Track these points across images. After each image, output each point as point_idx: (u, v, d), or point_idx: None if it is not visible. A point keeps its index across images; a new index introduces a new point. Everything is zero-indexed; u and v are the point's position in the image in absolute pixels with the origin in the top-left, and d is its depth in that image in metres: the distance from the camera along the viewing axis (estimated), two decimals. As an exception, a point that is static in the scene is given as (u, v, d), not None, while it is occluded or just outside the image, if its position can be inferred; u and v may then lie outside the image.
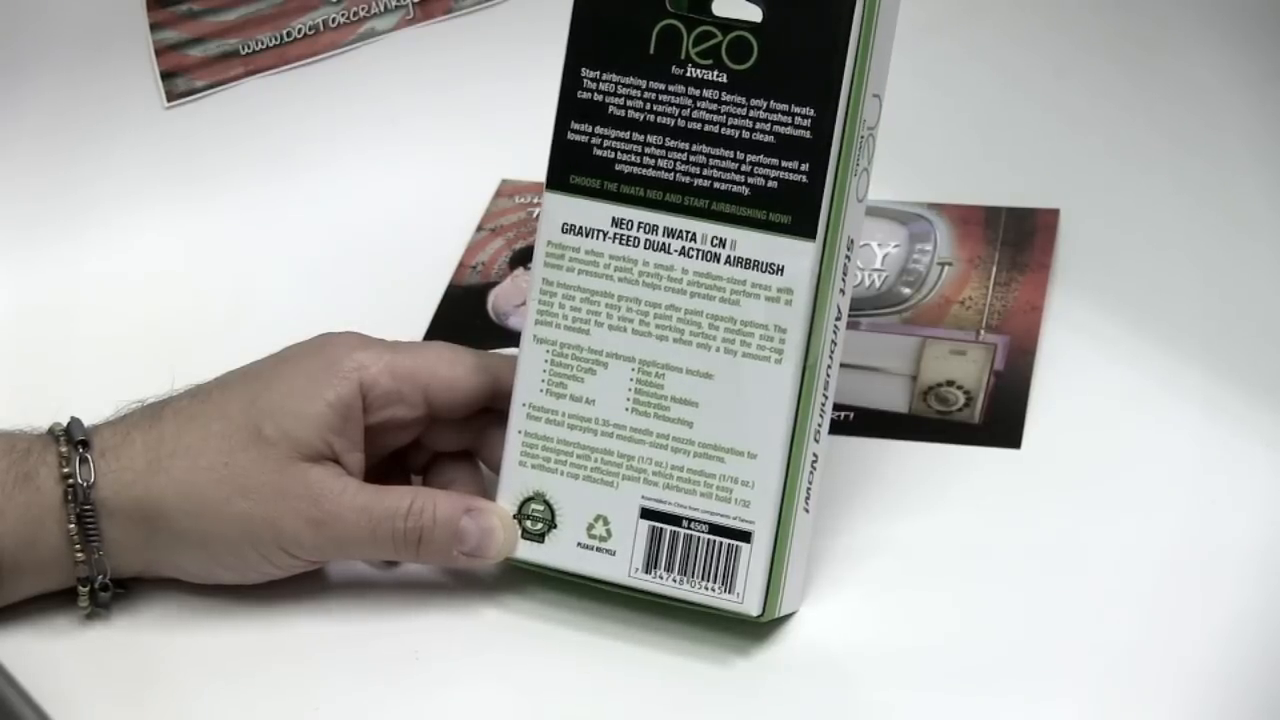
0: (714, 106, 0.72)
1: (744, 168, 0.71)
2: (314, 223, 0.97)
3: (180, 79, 0.99)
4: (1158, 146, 0.94)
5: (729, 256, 0.71)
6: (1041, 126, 0.96)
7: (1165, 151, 0.94)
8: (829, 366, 0.72)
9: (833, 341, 0.72)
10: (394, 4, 1.02)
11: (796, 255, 0.71)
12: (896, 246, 0.91)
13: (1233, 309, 0.86)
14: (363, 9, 1.02)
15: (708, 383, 0.72)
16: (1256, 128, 0.93)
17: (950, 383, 0.84)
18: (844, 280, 0.72)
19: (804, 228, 0.71)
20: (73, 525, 0.74)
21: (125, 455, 0.75)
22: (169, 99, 0.99)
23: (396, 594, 0.78)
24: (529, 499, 0.74)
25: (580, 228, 0.73)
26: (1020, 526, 0.78)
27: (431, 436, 0.79)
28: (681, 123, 0.72)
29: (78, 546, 0.74)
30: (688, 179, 0.72)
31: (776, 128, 0.71)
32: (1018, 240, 0.90)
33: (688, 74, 0.72)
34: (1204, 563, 0.75)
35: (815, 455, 0.72)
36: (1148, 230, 0.90)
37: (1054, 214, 0.91)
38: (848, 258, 0.72)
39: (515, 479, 0.75)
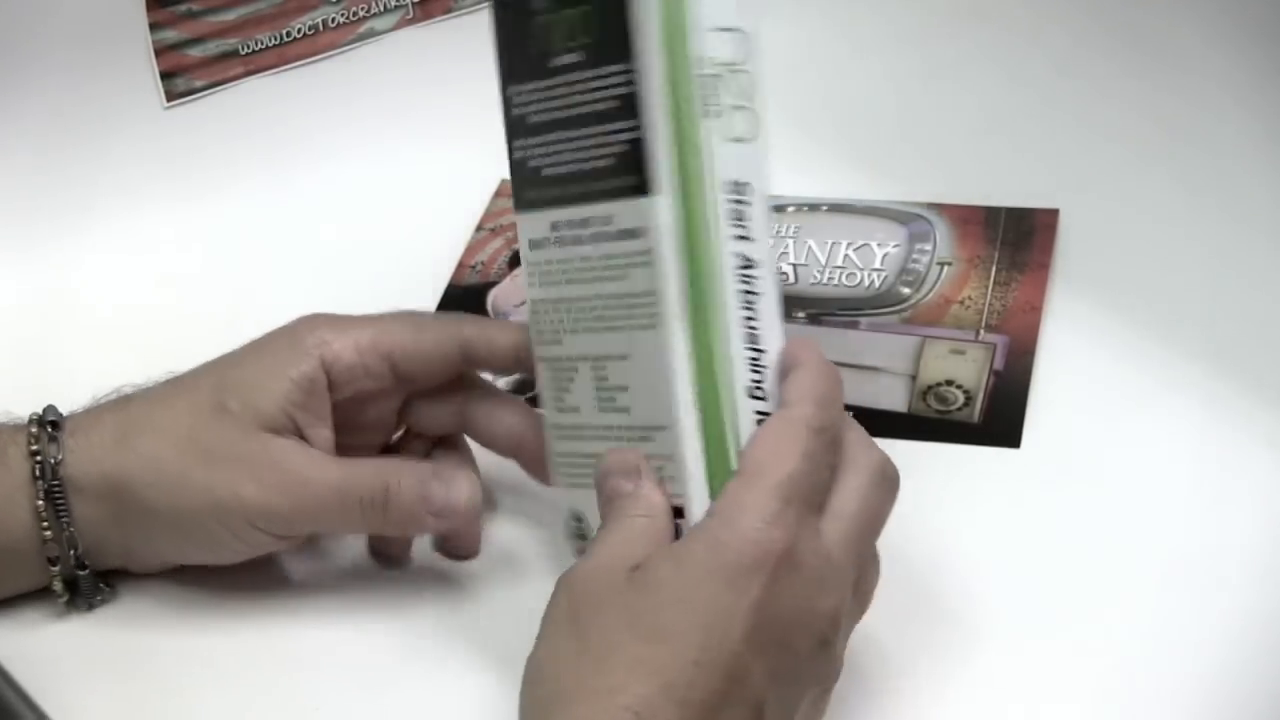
0: (580, 87, 0.70)
1: (604, 139, 0.69)
2: (313, 222, 0.97)
3: (180, 79, 0.99)
4: (1157, 146, 0.94)
5: (613, 232, 0.69)
6: (1041, 126, 0.96)
7: (1165, 151, 0.94)
8: (749, 319, 0.69)
9: (747, 292, 0.69)
10: (393, 4, 1.02)
11: (645, 214, 0.68)
12: (896, 246, 0.91)
13: (1233, 308, 0.86)
14: (362, 9, 1.02)
15: (626, 364, 0.70)
16: (1256, 127, 0.93)
17: (950, 382, 0.84)
18: (743, 226, 0.69)
19: (645, 185, 0.68)
20: (41, 501, 0.74)
21: (94, 434, 0.75)
22: (169, 99, 0.99)
23: (396, 595, 0.78)
24: (571, 518, 0.74)
25: (537, 241, 0.73)
26: (1019, 526, 0.78)
27: (416, 416, 0.79)
28: (564, 112, 0.70)
29: (45, 523, 0.74)
30: (578, 165, 0.70)
31: (614, 91, 0.69)
32: (1017, 240, 0.90)
33: (557, 63, 0.71)
34: (1205, 562, 0.75)
35: (761, 412, 0.69)
36: (1147, 230, 0.90)
37: (1053, 214, 0.91)
38: (739, 201, 0.69)
39: (561, 501, 0.75)
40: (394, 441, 0.80)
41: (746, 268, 0.68)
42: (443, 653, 0.75)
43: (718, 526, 0.65)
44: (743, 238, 0.68)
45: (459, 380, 0.78)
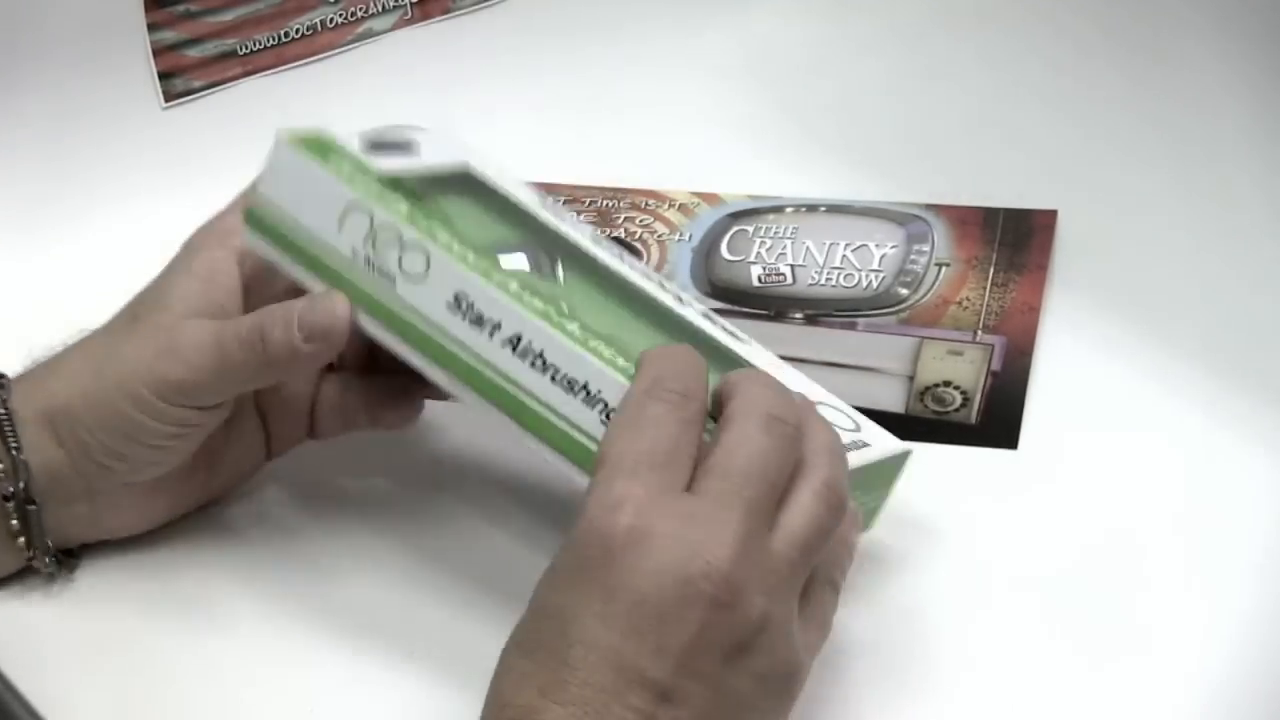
0: None
1: None
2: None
3: (178, 79, 0.99)
4: (1156, 147, 0.94)
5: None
6: (1040, 127, 0.96)
7: (1164, 152, 0.94)
8: (554, 376, 0.71)
9: (536, 358, 0.71)
10: (392, 4, 1.02)
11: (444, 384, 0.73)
12: (894, 247, 0.91)
13: (1231, 309, 0.86)
14: (361, 9, 1.02)
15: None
16: (1255, 129, 0.93)
17: (947, 383, 0.84)
18: (482, 320, 0.71)
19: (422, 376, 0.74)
20: None
21: (33, 374, 0.78)
22: (167, 99, 0.99)
23: (393, 593, 0.78)
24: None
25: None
26: (1016, 527, 0.78)
27: None
28: None
29: None
30: None
31: None
32: (1015, 241, 0.90)
33: None
34: (1203, 563, 0.75)
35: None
36: (1146, 231, 0.90)
37: (1052, 214, 0.91)
38: (469, 307, 0.71)
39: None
40: None
41: (515, 344, 0.71)
42: (441, 653, 0.75)
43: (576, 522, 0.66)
44: (491, 324, 0.71)
45: None
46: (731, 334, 0.78)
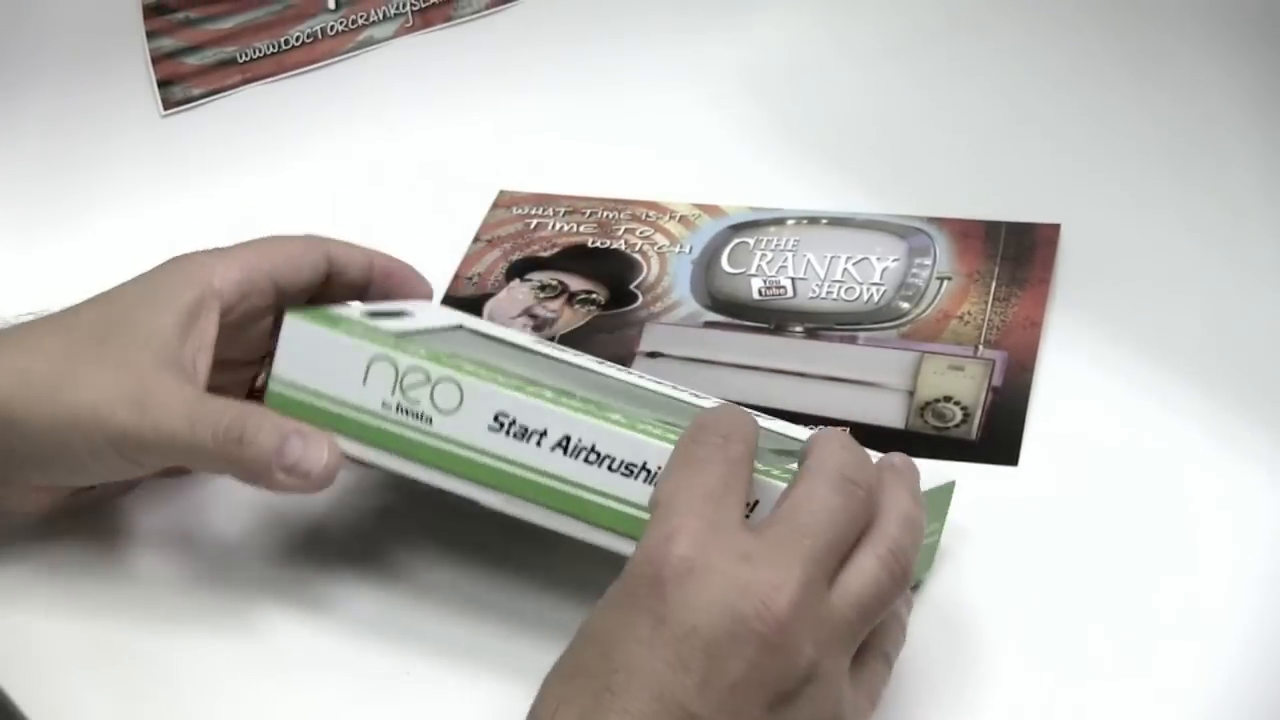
0: None
1: None
2: (311, 230, 0.97)
3: (177, 87, 0.98)
4: (1160, 162, 0.94)
5: None
6: (1042, 141, 0.96)
7: (1168, 167, 0.94)
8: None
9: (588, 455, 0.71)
10: (393, 12, 1.02)
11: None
12: (895, 260, 0.90)
13: (1234, 326, 0.85)
14: (361, 17, 1.01)
15: None
16: (1260, 144, 0.93)
17: (948, 398, 0.84)
18: (526, 434, 0.72)
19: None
20: None
21: None
22: (166, 107, 0.99)
23: (389, 610, 0.77)
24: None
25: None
26: (1016, 544, 0.77)
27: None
28: None
29: None
30: None
31: None
32: (1018, 255, 0.90)
33: None
34: (1204, 580, 0.75)
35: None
36: (1148, 246, 0.90)
37: (1054, 229, 0.91)
38: (511, 423, 0.72)
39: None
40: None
41: (566, 445, 0.72)
42: (437, 671, 0.75)
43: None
44: (537, 434, 0.72)
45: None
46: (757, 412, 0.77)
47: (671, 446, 0.69)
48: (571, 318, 0.91)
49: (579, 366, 0.79)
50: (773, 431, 0.76)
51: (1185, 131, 0.95)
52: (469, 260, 0.94)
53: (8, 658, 0.75)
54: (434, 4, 1.02)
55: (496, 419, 0.72)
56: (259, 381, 0.82)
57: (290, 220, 0.97)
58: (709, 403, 0.78)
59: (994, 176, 0.95)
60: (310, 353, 0.75)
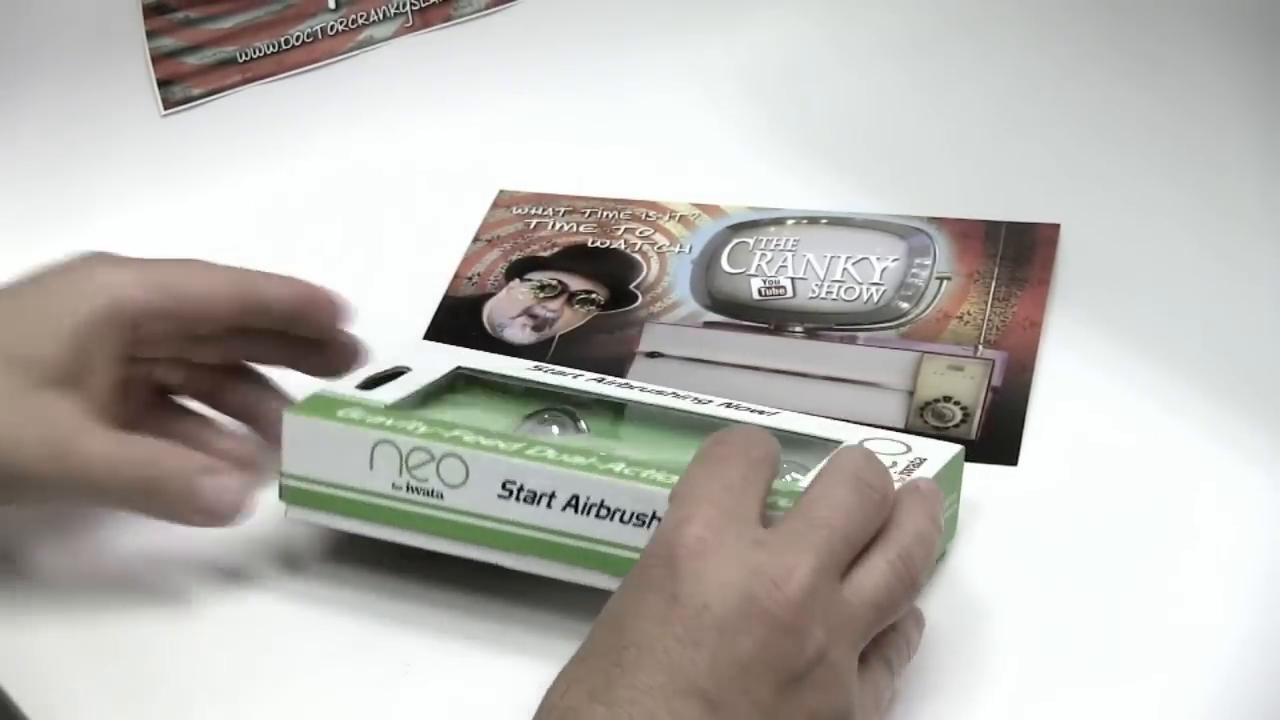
0: None
1: None
2: (311, 231, 0.97)
3: (177, 86, 0.98)
4: (1160, 162, 0.94)
5: None
6: (1042, 141, 0.96)
7: (1168, 167, 0.93)
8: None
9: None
10: (393, 11, 1.02)
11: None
12: (895, 260, 0.90)
13: (1234, 326, 0.85)
14: (362, 16, 1.01)
15: None
16: (1260, 144, 0.93)
17: (947, 398, 0.84)
18: (530, 486, 0.73)
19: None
20: None
21: None
22: (166, 107, 0.99)
23: (387, 605, 0.77)
24: None
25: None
26: (1016, 544, 0.77)
27: (197, 353, 0.80)
28: None
29: None
30: None
31: None
32: (1017, 255, 0.90)
33: None
34: (1204, 581, 0.75)
35: None
36: (1148, 246, 0.90)
37: (1054, 229, 0.91)
38: (520, 490, 0.73)
39: None
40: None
41: (575, 504, 0.72)
42: (436, 665, 0.75)
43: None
44: (546, 496, 0.73)
45: (237, 330, 0.80)
46: (759, 412, 0.78)
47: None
48: (571, 318, 0.90)
49: (577, 390, 0.80)
50: (805, 435, 0.76)
51: (1185, 132, 0.95)
52: (469, 260, 0.94)
53: (7, 658, 0.75)
54: (434, 4, 1.02)
55: (505, 487, 0.73)
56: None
57: (289, 220, 0.97)
58: (710, 407, 0.78)
59: (994, 176, 0.95)
60: (314, 445, 0.76)
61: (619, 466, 0.72)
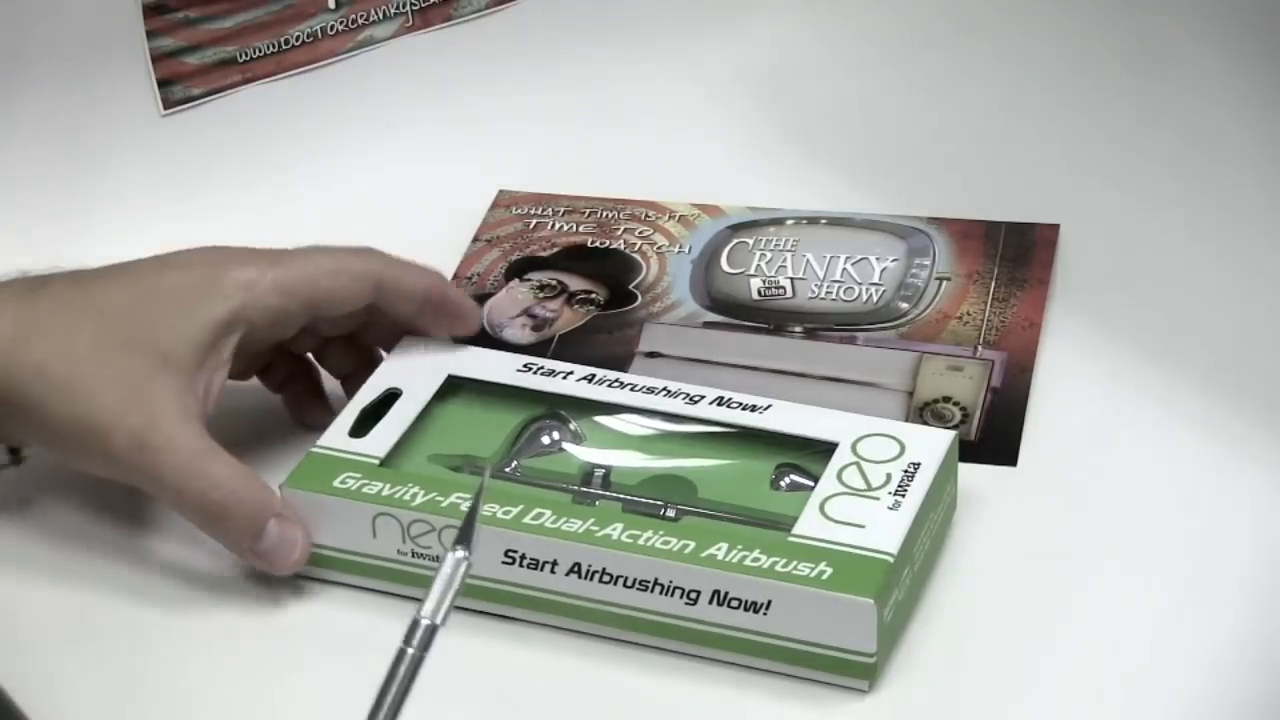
0: None
1: None
2: (310, 231, 0.96)
3: (177, 86, 0.98)
4: (1160, 162, 0.94)
5: None
6: (1042, 140, 0.96)
7: (1167, 167, 0.94)
8: None
9: None
10: (393, 11, 1.02)
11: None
12: (895, 260, 0.90)
13: (1232, 326, 0.85)
14: (362, 16, 1.01)
15: None
16: (1258, 145, 0.93)
17: (947, 399, 0.84)
18: None
19: None
20: None
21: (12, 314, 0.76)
22: (166, 106, 0.99)
23: (389, 610, 0.77)
24: None
25: None
26: (1016, 544, 0.77)
27: (323, 357, 0.83)
28: None
29: None
30: None
31: None
32: (1017, 255, 0.90)
33: None
34: (1202, 582, 0.75)
35: None
36: (1148, 246, 0.90)
37: (1054, 229, 0.91)
38: None
39: None
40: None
41: (579, 570, 0.73)
42: (436, 670, 0.75)
43: None
44: (549, 564, 0.74)
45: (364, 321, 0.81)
46: (752, 408, 0.78)
47: (671, 561, 0.72)
48: (571, 318, 0.90)
49: (565, 395, 0.80)
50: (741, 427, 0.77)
51: (1185, 131, 0.95)
52: (468, 260, 0.94)
53: (7, 658, 0.75)
54: (434, 4, 1.02)
55: (507, 554, 0.74)
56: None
57: (290, 220, 0.97)
58: (702, 405, 0.79)
59: (993, 177, 0.95)
60: (315, 516, 0.76)
61: (615, 532, 0.73)
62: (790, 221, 0.94)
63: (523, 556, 0.74)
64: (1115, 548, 0.77)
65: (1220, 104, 0.96)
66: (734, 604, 0.72)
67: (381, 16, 1.02)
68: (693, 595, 0.72)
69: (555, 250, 0.94)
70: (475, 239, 0.96)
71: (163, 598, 0.78)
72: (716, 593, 0.72)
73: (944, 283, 0.89)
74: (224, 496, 0.75)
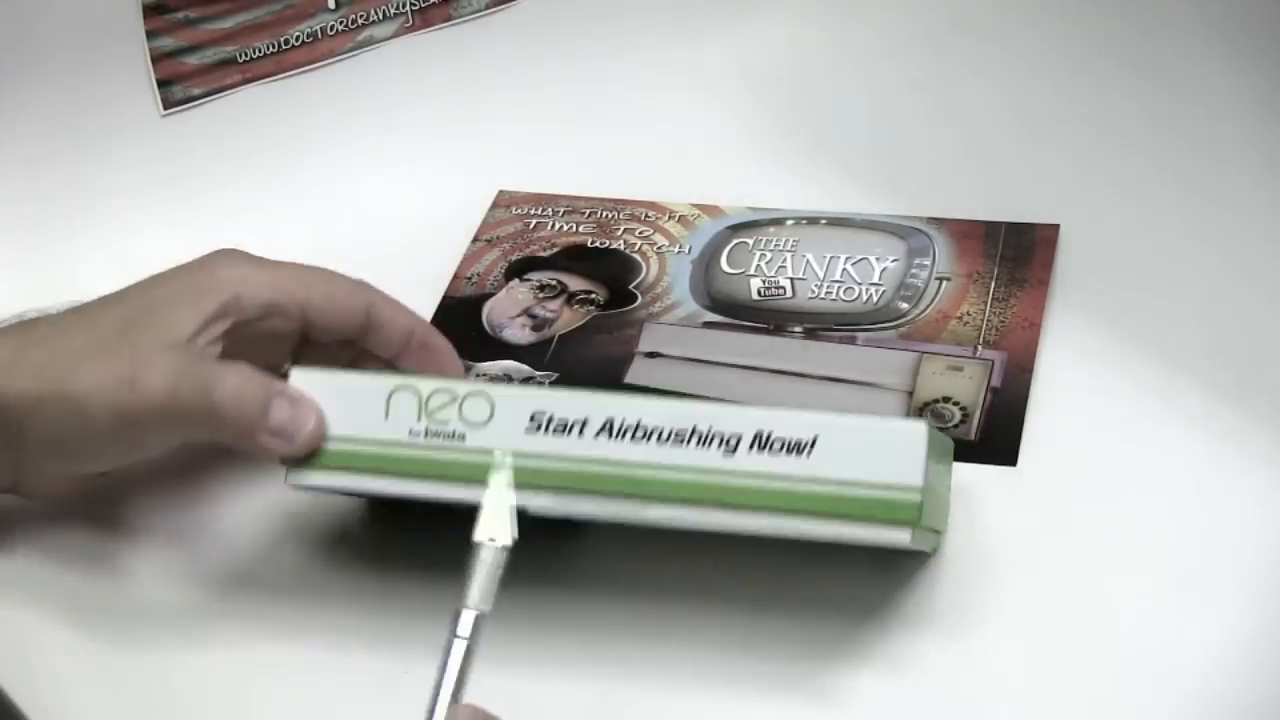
0: None
1: None
2: (310, 232, 0.97)
3: (177, 86, 0.98)
4: (1160, 161, 0.94)
5: None
6: (1042, 140, 0.96)
7: (1167, 166, 0.93)
8: None
9: None
10: (393, 11, 1.02)
11: None
12: (895, 260, 0.90)
13: (1232, 326, 0.85)
14: (361, 16, 1.01)
15: None
16: (1258, 144, 0.93)
17: (947, 399, 0.84)
18: None
19: None
20: None
21: (11, 340, 0.77)
22: (165, 106, 0.99)
23: (388, 608, 0.77)
24: None
25: None
26: (1016, 544, 0.77)
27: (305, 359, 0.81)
28: None
29: None
30: None
31: None
32: (1017, 255, 0.90)
33: None
34: (1203, 580, 0.75)
35: None
36: (1148, 246, 0.90)
37: (1054, 229, 0.91)
38: None
39: None
40: None
41: (609, 428, 0.71)
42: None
43: None
44: (578, 424, 0.72)
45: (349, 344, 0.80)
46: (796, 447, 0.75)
47: (713, 408, 0.70)
48: (571, 318, 0.90)
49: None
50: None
51: (1185, 131, 0.94)
52: (468, 260, 0.94)
53: (6, 657, 0.75)
54: (434, 4, 1.02)
55: (533, 419, 0.72)
56: None
57: (289, 220, 0.97)
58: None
59: (993, 177, 0.95)
60: (321, 400, 0.74)
61: (650, 394, 0.71)
62: (790, 222, 0.94)
63: (550, 419, 0.71)
64: (1115, 547, 0.77)
65: (1221, 104, 0.95)
66: (776, 447, 0.70)
67: (381, 16, 1.02)
68: (733, 442, 0.70)
69: (555, 250, 0.94)
70: (475, 239, 0.96)
71: (167, 606, 0.78)
72: (759, 436, 0.70)
73: (944, 283, 0.89)
74: (225, 387, 0.74)
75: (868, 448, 0.70)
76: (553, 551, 0.76)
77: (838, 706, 0.72)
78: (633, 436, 0.71)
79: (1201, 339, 0.84)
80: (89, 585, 0.80)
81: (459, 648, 0.63)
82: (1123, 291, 0.87)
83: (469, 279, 0.93)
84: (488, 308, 0.92)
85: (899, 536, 0.69)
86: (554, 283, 0.92)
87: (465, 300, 0.92)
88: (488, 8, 1.03)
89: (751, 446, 0.70)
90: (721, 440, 0.70)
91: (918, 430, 0.69)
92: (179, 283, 0.78)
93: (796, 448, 0.70)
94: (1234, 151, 0.93)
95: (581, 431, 0.71)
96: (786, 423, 0.70)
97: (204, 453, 0.83)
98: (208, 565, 0.80)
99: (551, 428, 0.71)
